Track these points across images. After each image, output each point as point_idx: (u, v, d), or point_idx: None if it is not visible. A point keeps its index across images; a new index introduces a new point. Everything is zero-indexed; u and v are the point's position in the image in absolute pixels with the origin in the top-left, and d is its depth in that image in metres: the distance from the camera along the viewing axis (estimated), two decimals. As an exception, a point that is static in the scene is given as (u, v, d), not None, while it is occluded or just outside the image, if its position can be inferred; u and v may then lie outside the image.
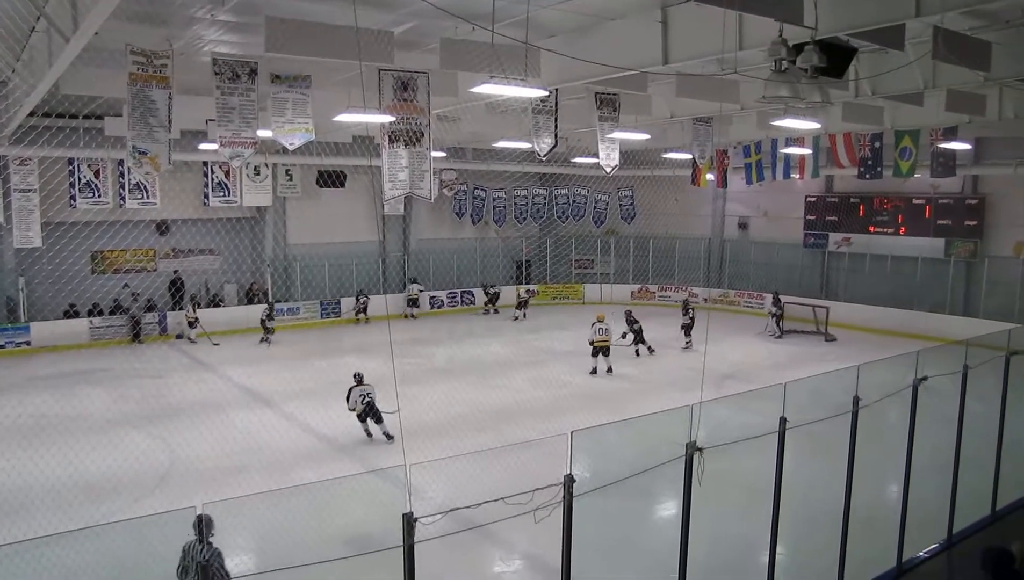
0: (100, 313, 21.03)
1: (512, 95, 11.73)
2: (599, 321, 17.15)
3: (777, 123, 15.15)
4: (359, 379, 12.67)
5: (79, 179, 19.77)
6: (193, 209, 22.16)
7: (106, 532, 5.20)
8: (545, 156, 14.09)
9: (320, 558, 4.72)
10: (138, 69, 9.41)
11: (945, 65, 10.29)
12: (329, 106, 13.23)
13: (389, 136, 10.72)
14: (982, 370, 8.67)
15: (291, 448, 12.15)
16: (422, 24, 10.17)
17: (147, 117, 9.54)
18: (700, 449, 5.93)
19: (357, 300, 24.19)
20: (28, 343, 19.59)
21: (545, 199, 29.04)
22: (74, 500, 9.68)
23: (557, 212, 29.22)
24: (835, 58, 7.78)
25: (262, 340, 20.79)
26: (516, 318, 24.75)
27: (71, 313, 20.70)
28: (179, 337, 21.26)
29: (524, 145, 19.43)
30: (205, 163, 21.41)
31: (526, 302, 25.53)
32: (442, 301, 26.64)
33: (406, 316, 24.95)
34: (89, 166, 19.80)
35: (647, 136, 18.28)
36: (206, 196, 22.07)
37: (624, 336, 18.53)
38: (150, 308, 21.70)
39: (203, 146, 17.80)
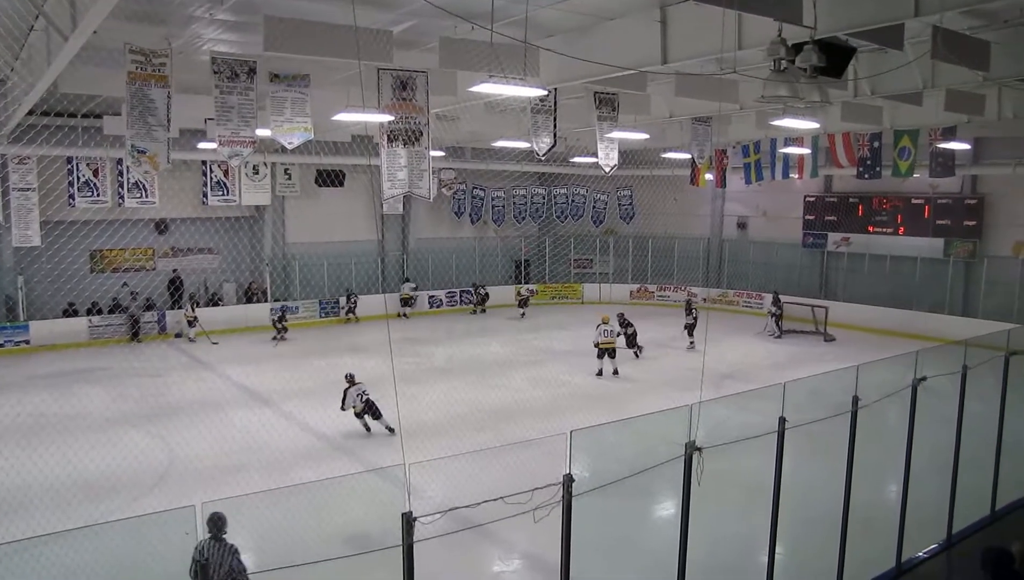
0: (99, 312, 21.02)
1: (511, 94, 11.72)
2: (604, 322, 17.04)
3: (776, 123, 15.14)
4: (351, 379, 12.76)
5: (78, 178, 19.77)
6: (192, 208, 22.15)
7: (105, 531, 5.18)
8: (544, 155, 14.10)
9: (319, 557, 4.72)
10: (137, 68, 9.41)
11: (944, 65, 10.30)
12: (328, 105, 13.22)
13: (388, 135, 10.72)
14: (981, 370, 8.66)
15: (290, 447, 12.14)
16: (421, 23, 10.17)
17: (146, 116, 9.54)
18: (699, 449, 5.93)
19: (348, 299, 24.22)
20: (27, 342, 19.59)
21: (544, 198, 29.05)
22: (73, 499, 9.67)
23: (556, 212, 29.23)
24: (834, 58, 7.78)
25: (274, 338, 20.89)
26: (523, 316, 24.86)
27: (70, 312, 20.69)
28: (178, 336, 21.26)
29: (523, 144, 19.43)
30: (204, 162, 21.41)
31: (526, 301, 25.56)
32: (441, 300, 26.67)
33: (399, 315, 24.98)
34: (88, 165, 19.79)
35: (646, 136, 18.28)
36: (205, 195, 22.07)
37: (617, 336, 18.44)
38: (149, 307, 21.69)
39: (202, 145, 17.80)
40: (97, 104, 15.85)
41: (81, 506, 9.42)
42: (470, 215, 27.75)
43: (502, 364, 17.91)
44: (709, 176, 23.98)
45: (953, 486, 8.51)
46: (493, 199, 27.97)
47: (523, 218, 28.85)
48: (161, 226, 22.48)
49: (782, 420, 6.56)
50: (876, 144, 18.99)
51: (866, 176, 19.59)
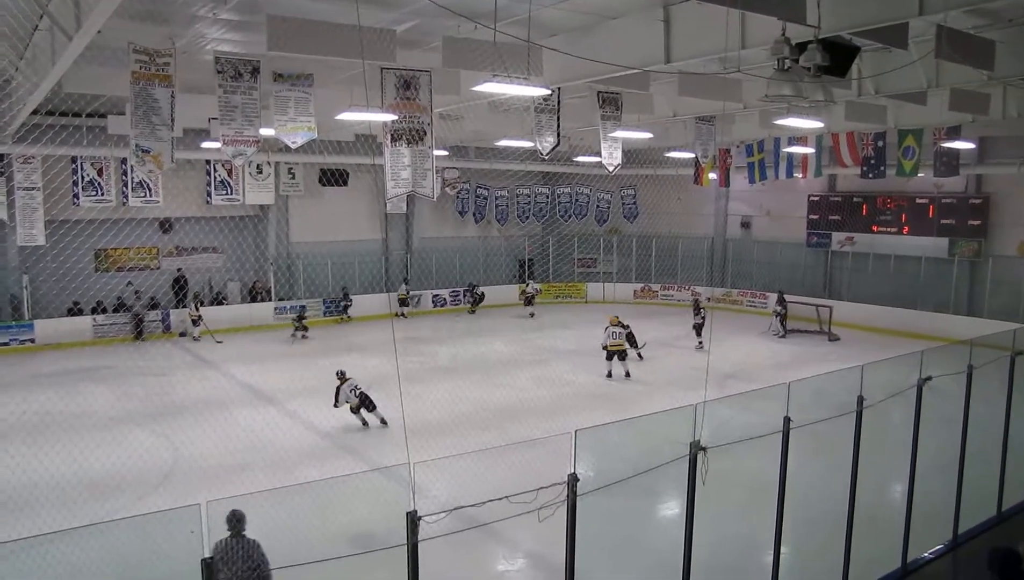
0: (104, 311, 21.07)
1: (514, 94, 11.72)
2: (612, 324, 16.86)
3: (780, 122, 15.13)
4: (342, 376, 12.90)
5: (82, 177, 19.80)
6: (196, 207, 22.19)
7: (110, 529, 5.20)
8: (547, 155, 14.10)
9: (324, 556, 4.72)
10: (141, 67, 9.43)
11: (948, 64, 10.26)
12: (331, 104, 13.23)
13: (391, 134, 10.73)
14: (987, 370, 8.63)
15: (294, 446, 12.15)
16: (424, 23, 10.17)
17: (150, 115, 9.56)
18: (704, 448, 5.92)
19: (344, 297, 24.22)
20: (32, 341, 19.67)
21: (548, 198, 29.04)
22: (78, 497, 9.70)
23: (560, 211, 29.21)
24: (838, 57, 7.78)
25: (292, 335, 21.08)
26: (531, 315, 24.90)
27: (75, 311, 20.75)
28: (182, 335, 21.30)
29: (527, 144, 19.42)
30: (208, 161, 21.43)
31: (532, 298, 25.53)
32: (445, 299, 26.68)
33: (397, 315, 25.02)
34: (92, 164, 19.82)
35: (649, 135, 18.26)
36: (209, 194, 22.10)
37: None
38: (153, 306, 21.73)
39: (206, 144, 17.81)
40: (101, 104, 15.89)
41: (86, 504, 9.45)
42: (474, 214, 27.74)
43: (506, 363, 17.90)
44: (713, 175, 23.98)
45: (959, 486, 8.48)
46: (497, 198, 27.96)
47: (527, 217, 28.84)
48: (165, 225, 22.51)
49: (787, 420, 6.54)
50: (880, 143, 18.96)
51: (870, 175, 19.56)
